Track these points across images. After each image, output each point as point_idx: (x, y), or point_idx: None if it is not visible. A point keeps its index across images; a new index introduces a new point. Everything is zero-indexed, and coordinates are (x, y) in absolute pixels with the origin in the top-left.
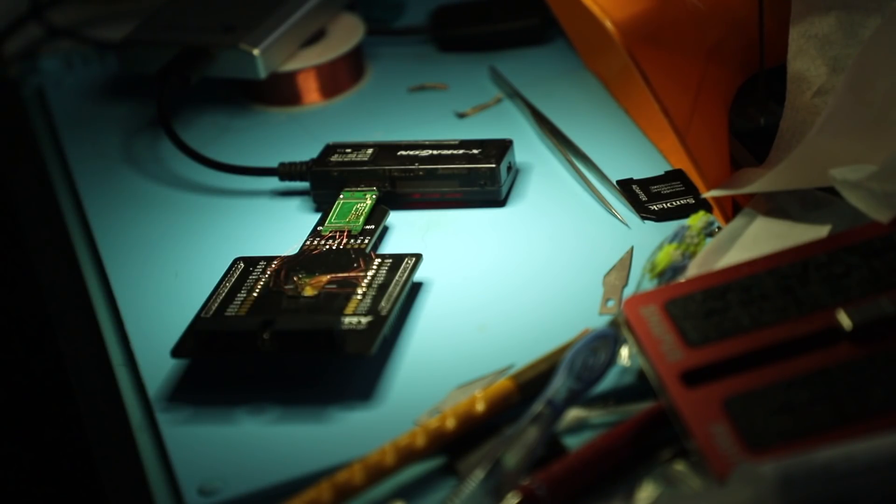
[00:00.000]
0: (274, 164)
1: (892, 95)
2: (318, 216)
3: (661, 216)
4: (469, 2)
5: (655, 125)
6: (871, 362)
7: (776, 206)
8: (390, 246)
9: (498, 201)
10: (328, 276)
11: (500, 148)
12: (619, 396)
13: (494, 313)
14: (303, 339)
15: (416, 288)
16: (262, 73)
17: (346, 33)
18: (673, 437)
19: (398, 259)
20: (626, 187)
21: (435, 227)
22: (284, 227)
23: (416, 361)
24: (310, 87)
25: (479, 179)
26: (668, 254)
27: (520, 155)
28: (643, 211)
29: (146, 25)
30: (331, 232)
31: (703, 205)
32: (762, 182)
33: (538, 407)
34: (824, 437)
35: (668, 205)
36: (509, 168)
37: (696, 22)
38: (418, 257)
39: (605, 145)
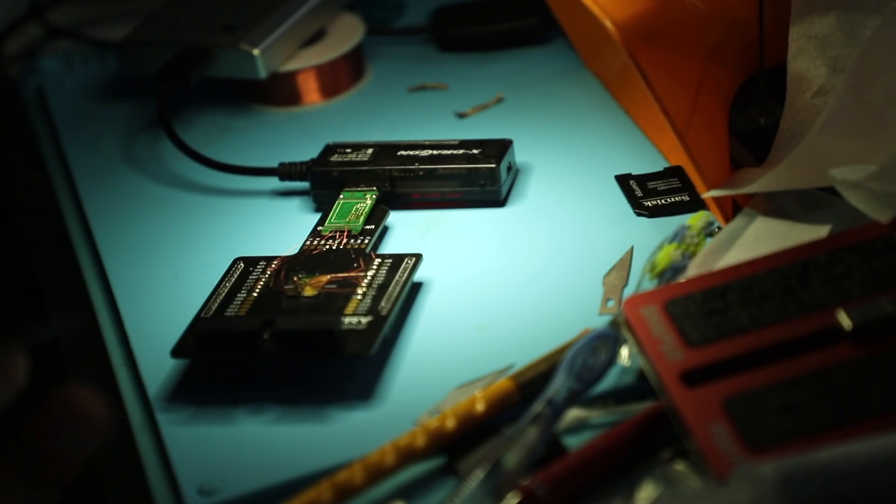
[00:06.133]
0: (274, 164)
1: (892, 95)
2: (318, 216)
3: (653, 212)
4: (469, 2)
5: (655, 125)
6: (871, 362)
7: (776, 206)
8: (390, 246)
9: (498, 201)
10: (328, 276)
11: (500, 148)
12: (619, 396)
13: (494, 313)
14: (303, 339)
15: (416, 288)
16: (262, 73)
17: (346, 33)
18: (673, 437)
19: (398, 259)
20: (623, 182)
21: (435, 227)
22: (284, 227)
23: (416, 361)
24: (310, 87)
25: (479, 179)
26: (668, 254)
27: (520, 155)
28: (637, 206)
29: (146, 25)
30: (331, 232)
31: (698, 202)
32: (762, 182)
33: (538, 407)
34: (824, 437)
35: (663, 201)
36: (509, 168)
37: (696, 22)
38: (418, 257)
39: (606, 145)
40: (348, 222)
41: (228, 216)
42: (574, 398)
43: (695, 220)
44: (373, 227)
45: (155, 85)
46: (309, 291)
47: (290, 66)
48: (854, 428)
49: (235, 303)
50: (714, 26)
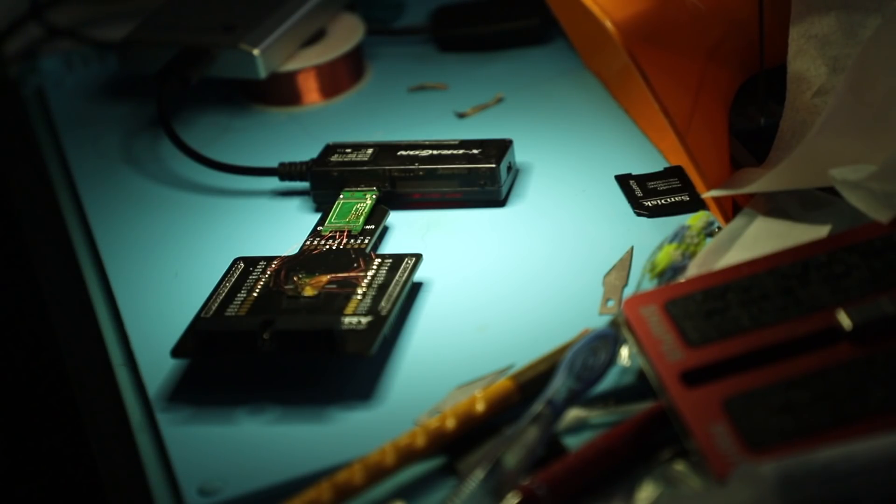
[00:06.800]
0: (274, 164)
1: (892, 95)
2: (318, 216)
3: (653, 212)
4: (469, 2)
5: (655, 125)
6: (871, 362)
7: (776, 206)
8: (390, 246)
9: (498, 201)
10: (328, 276)
11: (500, 148)
12: (619, 396)
13: (494, 313)
14: (303, 339)
15: (416, 288)
16: (262, 73)
17: (346, 33)
18: (673, 437)
19: (398, 259)
20: (623, 182)
21: (435, 227)
22: (284, 227)
23: (416, 361)
24: (310, 87)
25: (479, 179)
26: (668, 254)
27: (520, 155)
28: (637, 206)
29: (146, 25)
30: (331, 232)
31: (698, 202)
32: (762, 182)
33: (538, 407)
34: (824, 437)
35: (663, 201)
36: (509, 168)
37: (696, 22)
38: (418, 257)
39: (606, 145)
40: (348, 222)
41: (228, 216)
42: (574, 398)
43: (695, 220)
44: (373, 227)
45: (155, 85)
46: (309, 291)
47: (290, 66)
48: (854, 428)
49: (235, 303)
50: (714, 26)
